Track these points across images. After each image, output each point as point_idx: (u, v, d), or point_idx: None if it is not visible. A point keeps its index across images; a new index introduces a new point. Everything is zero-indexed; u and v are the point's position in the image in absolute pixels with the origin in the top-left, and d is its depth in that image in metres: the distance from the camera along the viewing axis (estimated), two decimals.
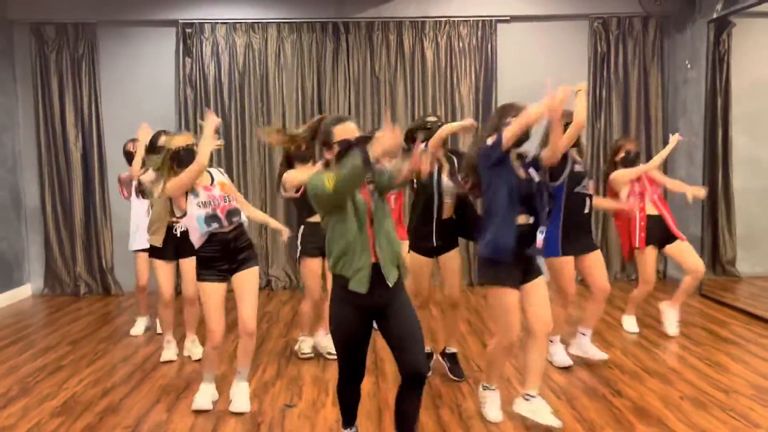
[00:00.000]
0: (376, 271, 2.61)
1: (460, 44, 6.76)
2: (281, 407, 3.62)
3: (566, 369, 4.15)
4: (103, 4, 6.56)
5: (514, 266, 3.09)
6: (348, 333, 2.67)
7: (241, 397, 3.58)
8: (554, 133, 3.08)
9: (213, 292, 3.45)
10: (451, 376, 3.97)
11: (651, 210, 4.78)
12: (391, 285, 2.63)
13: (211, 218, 3.41)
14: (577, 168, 3.96)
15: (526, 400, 3.24)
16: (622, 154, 4.73)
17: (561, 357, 4.20)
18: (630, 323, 5.04)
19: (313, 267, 4.33)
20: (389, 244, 2.64)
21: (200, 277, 3.47)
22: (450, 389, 3.83)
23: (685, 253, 4.80)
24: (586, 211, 4.03)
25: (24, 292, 6.71)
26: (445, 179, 3.81)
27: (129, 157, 5.00)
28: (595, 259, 4.09)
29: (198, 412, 3.55)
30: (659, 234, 4.75)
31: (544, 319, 3.18)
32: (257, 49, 6.71)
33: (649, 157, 6.36)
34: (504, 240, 3.02)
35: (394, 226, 2.75)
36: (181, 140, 3.51)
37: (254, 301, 3.54)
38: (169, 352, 4.53)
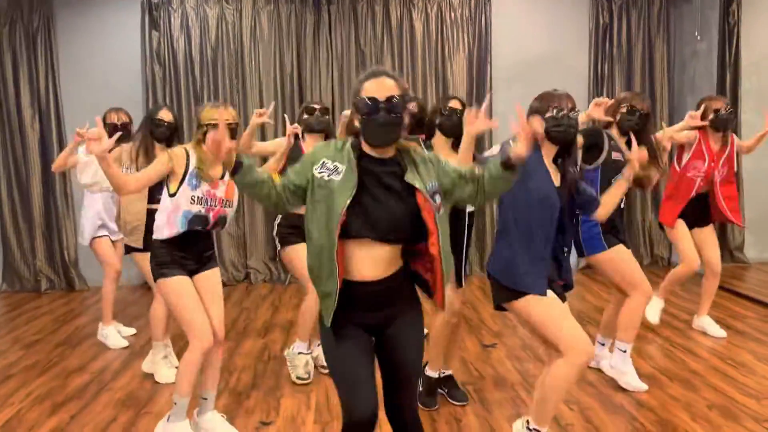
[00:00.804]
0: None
1: (452, 15, 6.27)
2: (256, 425, 3.16)
3: None
4: None
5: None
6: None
7: (225, 429, 3.01)
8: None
9: (187, 283, 2.89)
10: (453, 402, 3.36)
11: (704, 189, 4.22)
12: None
13: (197, 219, 2.87)
14: (615, 156, 3.45)
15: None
16: (711, 115, 4.08)
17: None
18: (651, 309, 4.49)
19: (300, 253, 3.65)
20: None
21: (162, 274, 2.88)
22: (448, 405, 3.38)
23: (706, 239, 4.33)
24: (622, 205, 3.48)
25: None
26: None
27: (113, 129, 4.16)
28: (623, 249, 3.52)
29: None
30: (696, 213, 4.24)
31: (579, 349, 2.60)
32: (231, 21, 6.17)
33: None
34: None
35: None
36: (223, 114, 2.86)
37: (221, 302, 3.04)
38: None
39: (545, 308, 2.54)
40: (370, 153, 2.01)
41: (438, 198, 1.99)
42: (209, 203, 2.89)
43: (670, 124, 6.45)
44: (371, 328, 2.05)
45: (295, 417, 3.24)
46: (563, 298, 2.64)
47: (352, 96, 2.06)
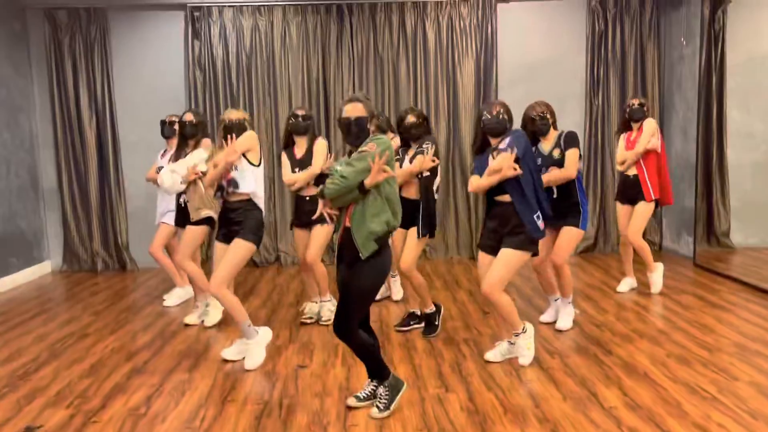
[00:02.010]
0: (349, 235, 3.06)
1: (461, 24, 6.94)
2: (294, 368, 3.89)
3: (560, 331, 4.41)
4: None
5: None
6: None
7: (247, 354, 3.98)
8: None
9: (218, 250, 4.06)
10: (424, 335, 4.42)
11: (632, 171, 5.22)
12: (362, 257, 3.02)
13: (219, 187, 4.02)
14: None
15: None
16: (627, 109, 5.29)
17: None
18: (623, 284, 5.52)
19: (296, 236, 4.79)
20: (361, 220, 3.02)
21: (216, 236, 4.14)
22: (451, 352, 4.09)
23: (634, 215, 5.22)
24: (554, 195, 4.28)
25: (44, 268, 7.00)
26: (406, 161, 4.36)
27: (162, 125, 5.50)
28: (563, 232, 4.35)
29: (218, 372, 3.83)
30: (630, 193, 5.24)
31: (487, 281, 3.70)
32: (263, 31, 6.90)
33: None
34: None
35: (378, 206, 3.05)
36: (233, 114, 4.05)
37: (225, 264, 3.88)
38: (192, 317, 4.90)
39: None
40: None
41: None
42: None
43: (661, 120, 7.08)
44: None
45: (326, 362, 3.97)
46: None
47: (338, 114, 3.23)
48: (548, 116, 4.20)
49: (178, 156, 4.70)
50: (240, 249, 3.90)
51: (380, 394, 3.20)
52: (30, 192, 6.82)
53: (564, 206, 4.26)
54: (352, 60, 6.95)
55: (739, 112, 6.68)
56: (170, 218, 5.27)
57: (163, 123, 5.48)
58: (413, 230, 4.33)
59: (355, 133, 3.11)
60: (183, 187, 4.58)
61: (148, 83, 6.94)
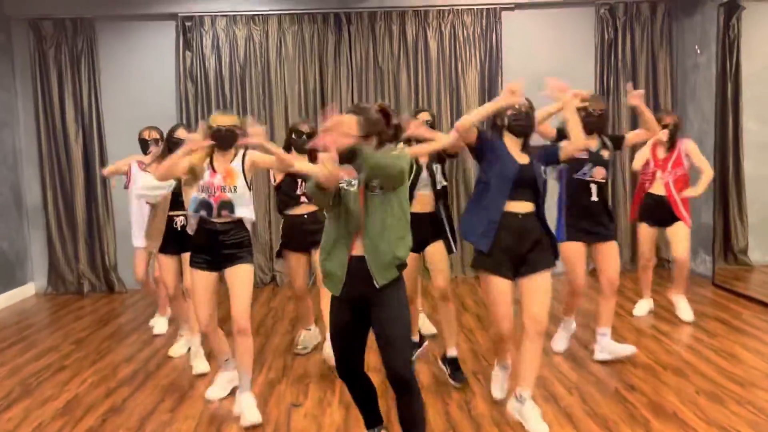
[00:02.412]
0: (360, 264, 2.54)
1: (464, 33, 6.65)
2: (287, 406, 3.55)
3: (577, 363, 4.06)
4: None
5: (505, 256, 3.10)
6: (332, 322, 2.70)
7: (249, 410, 3.33)
8: (572, 127, 3.24)
9: (199, 278, 3.45)
10: (453, 383, 3.76)
11: (659, 190, 4.86)
12: (378, 286, 2.54)
13: (203, 204, 3.39)
14: (577, 155, 3.69)
15: (518, 401, 3.15)
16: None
17: (560, 345, 4.28)
18: (640, 308, 5.15)
19: (291, 262, 4.29)
20: (383, 243, 2.52)
21: (191, 262, 3.49)
22: (459, 389, 3.74)
23: (676, 237, 4.87)
24: (593, 198, 3.89)
25: (27, 291, 6.66)
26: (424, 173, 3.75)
27: (143, 144, 4.80)
28: (606, 250, 3.97)
29: (203, 412, 3.49)
30: (658, 215, 4.86)
31: (537, 319, 3.10)
32: (258, 41, 6.61)
33: None
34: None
35: (402, 227, 2.59)
36: (222, 120, 3.43)
37: (244, 296, 3.42)
38: (178, 347, 4.52)
39: (494, 290, 3.18)
40: None
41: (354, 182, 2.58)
42: (209, 191, 3.38)
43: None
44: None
45: (322, 399, 3.63)
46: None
47: None
48: (606, 117, 4.01)
49: None
50: (250, 274, 3.48)
51: None
52: (13, 210, 6.49)
53: (601, 216, 3.94)
54: (351, 71, 6.65)
55: (756, 123, 6.39)
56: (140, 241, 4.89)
57: (143, 142, 4.80)
58: (439, 246, 3.79)
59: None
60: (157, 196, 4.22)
61: (137, 96, 6.62)
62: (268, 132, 6.63)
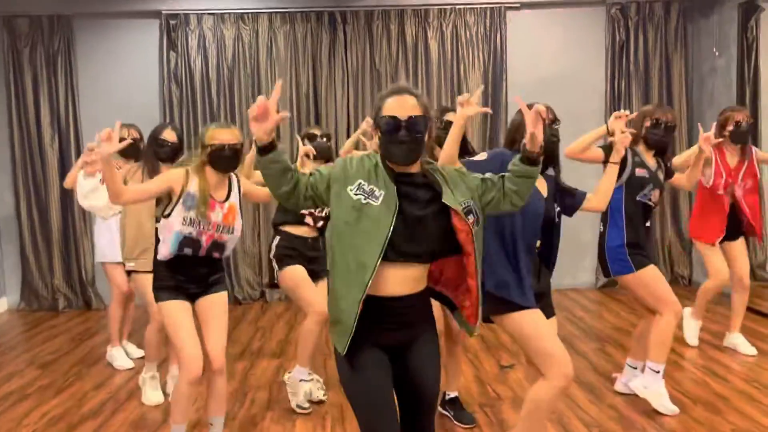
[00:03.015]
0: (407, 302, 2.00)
1: (467, 34, 6.28)
2: None
3: (597, 396, 3.64)
4: None
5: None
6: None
7: None
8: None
9: (181, 309, 2.84)
10: (460, 425, 3.30)
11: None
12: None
13: (188, 242, 2.80)
14: (639, 173, 3.39)
15: None
16: (731, 127, 4.04)
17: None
18: (689, 331, 4.57)
19: (299, 274, 3.55)
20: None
21: (159, 297, 2.87)
22: (470, 428, 3.32)
23: (737, 254, 4.28)
24: (647, 224, 3.47)
25: None
26: None
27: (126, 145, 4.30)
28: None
29: None
30: (737, 226, 4.22)
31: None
32: (247, 41, 6.23)
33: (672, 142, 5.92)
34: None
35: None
36: (227, 136, 2.83)
37: (223, 329, 2.94)
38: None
39: (534, 323, 2.51)
40: (400, 170, 1.99)
41: (471, 216, 1.96)
42: (201, 225, 2.78)
43: (689, 139, 6.41)
44: (392, 349, 2.00)
45: None
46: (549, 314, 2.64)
47: (373, 112, 2.06)
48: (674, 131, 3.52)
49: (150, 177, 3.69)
50: (226, 305, 2.99)
51: None
52: None
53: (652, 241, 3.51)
54: (346, 73, 6.26)
55: None
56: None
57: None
58: None
59: (406, 142, 1.96)
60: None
61: (117, 99, 6.21)
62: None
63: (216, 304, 2.93)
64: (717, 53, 6.00)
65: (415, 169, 2.01)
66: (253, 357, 4.57)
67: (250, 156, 3.41)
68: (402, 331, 1.99)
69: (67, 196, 6.20)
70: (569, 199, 2.79)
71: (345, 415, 3.43)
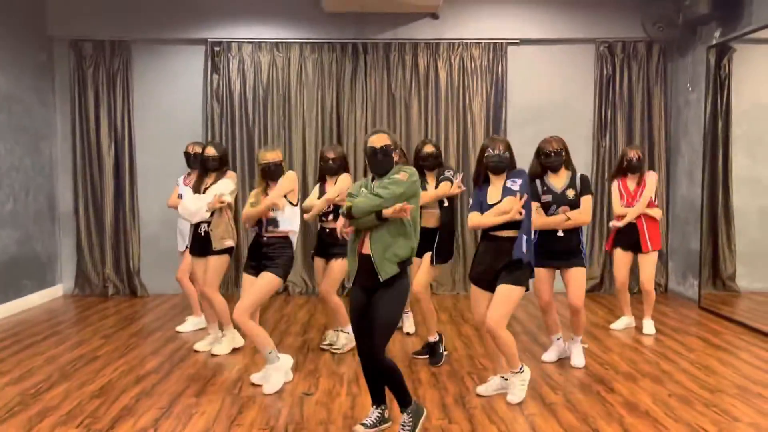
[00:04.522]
0: (367, 260, 3.18)
1: (472, 65, 7.14)
2: (300, 395, 3.95)
3: (563, 368, 4.45)
4: (137, 23, 7.02)
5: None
6: (350, 307, 3.35)
7: (265, 378, 4.10)
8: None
9: (246, 280, 4.21)
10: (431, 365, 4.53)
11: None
12: (381, 279, 3.15)
13: (257, 224, 4.17)
14: (544, 199, 4.35)
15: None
16: (625, 163, 5.37)
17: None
18: (619, 323, 5.62)
19: (316, 266, 5.02)
20: (381, 244, 3.16)
21: (244, 268, 4.27)
22: (455, 384, 4.14)
23: (642, 264, 5.43)
24: (560, 234, 4.34)
25: (56, 291, 7.12)
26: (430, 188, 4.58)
27: (188, 157, 5.49)
28: (573, 274, 4.40)
29: (225, 397, 3.90)
30: (630, 240, 5.35)
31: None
32: (280, 67, 7.12)
33: (652, 166, 7.01)
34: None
35: (404, 230, 3.21)
36: (270, 156, 4.15)
37: (250, 294, 4.04)
38: (203, 343, 5.01)
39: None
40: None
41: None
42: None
43: (667, 164, 7.19)
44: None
45: (331, 390, 4.03)
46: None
47: (363, 145, 3.50)
48: (563, 153, 4.33)
49: (198, 186, 4.84)
50: (269, 282, 4.09)
51: (404, 421, 3.27)
52: (47, 216, 6.98)
53: (570, 246, 4.36)
54: (366, 97, 7.14)
55: (745, 158, 6.76)
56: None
57: (188, 155, 5.48)
58: (427, 255, 4.57)
59: (380, 162, 3.24)
60: (207, 214, 4.72)
61: (167, 114, 7.14)
62: (287, 152, 7.12)
63: (257, 279, 4.14)
64: (690, 89, 6.82)
65: None
66: (281, 335, 5.40)
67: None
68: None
69: (120, 196, 7.11)
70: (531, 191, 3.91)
71: (358, 373, 4.26)
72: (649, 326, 5.43)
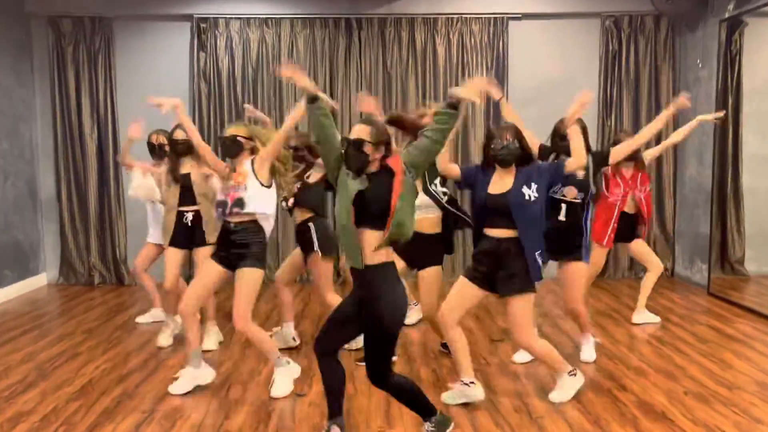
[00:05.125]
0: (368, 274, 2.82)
1: (472, 41, 6.81)
2: (293, 396, 3.70)
3: (571, 363, 4.21)
4: None
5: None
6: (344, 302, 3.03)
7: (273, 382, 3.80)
8: (573, 141, 3.49)
9: (208, 265, 3.77)
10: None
11: (630, 209, 4.96)
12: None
13: (220, 203, 3.72)
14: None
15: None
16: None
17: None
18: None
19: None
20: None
21: (211, 255, 3.84)
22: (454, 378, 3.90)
23: (644, 253, 5.17)
24: (561, 217, 3.96)
25: (39, 281, 6.84)
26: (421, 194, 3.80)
27: (151, 148, 5.07)
28: (570, 270, 4.05)
29: (211, 400, 3.65)
30: (625, 231, 4.99)
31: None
32: (270, 44, 6.78)
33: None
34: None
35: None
36: (231, 130, 3.78)
37: (240, 298, 3.63)
38: (164, 337, 4.74)
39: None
40: None
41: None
42: (227, 191, 3.71)
43: (675, 144, 6.90)
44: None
45: None
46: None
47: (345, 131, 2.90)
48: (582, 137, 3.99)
49: (174, 174, 4.54)
50: (251, 279, 3.67)
51: (426, 430, 3.01)
52: (28, 202, 6.68)
53: (568, 235, 3.97)
54: (360, 75, 6.82)
55: (755, 137, 6.53)
56: (155, 237, 5.10)
57: (152, 146, 5.01)
58: (431, 271, 4.06)
59: (350, 156, 2.77)
60: (157, 195, 4.60)
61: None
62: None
63: (239, 277, 3.67)
64: (700, 65, 6.51)
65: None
66: (274, 327, 5.15)
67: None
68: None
69: (104, 181, 6.81)
70: (555, 175, 3.42)
71: (355, 373, 4.01)
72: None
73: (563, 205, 3.98)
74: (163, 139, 4.98)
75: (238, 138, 3.71)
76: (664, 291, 6.19)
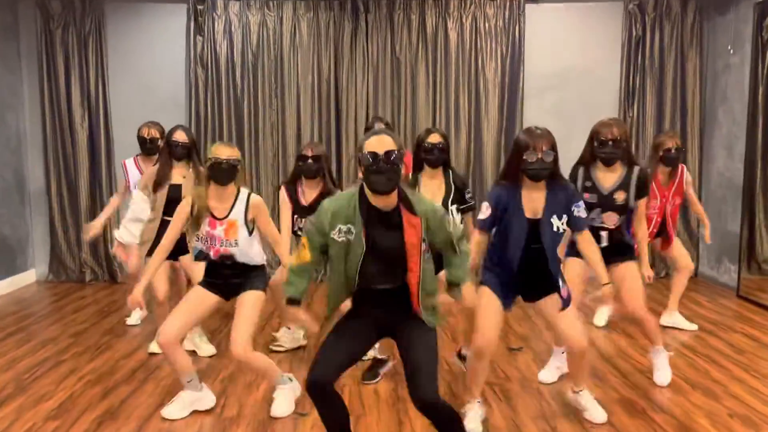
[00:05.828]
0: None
1: (486, 25, 6.39)
2: (293, 416, 3.35)
3: (600, 379, 3.84)
4: None
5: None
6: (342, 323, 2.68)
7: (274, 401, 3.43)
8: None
9: (199, 293, 3.30)
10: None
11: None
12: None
13: (201, 254, 3.29)
14: (587, 198, 3.54)
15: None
16: (661, 152, 4.45)
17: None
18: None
19: None
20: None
21: (200, 282, 3.36)
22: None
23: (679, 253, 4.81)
24: (603, 244, 3.53)
25: (28, 277, 6.49)
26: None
27: (142, 142, 4.67)
28: (624, 272, 3.61)
29: (205, 418, 3.29)
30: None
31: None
32: (272, 27, 6.38)
33: (684, 139, 6.27)
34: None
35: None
36: (229, 151, 3.15)
37: (243, 322, 3.19)
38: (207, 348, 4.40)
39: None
40: (376, 206, 2.42)
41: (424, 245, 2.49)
42: (209, 242, 3.20)
43: (701, 136, 6.51)
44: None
45: None
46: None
47: (356, 152, 2.41)
48: (624, 143, 3.50)
49: (162, 178, 4.07)
50: (257, 302, 3.25)
51: None
52: (15, 195, 6.31)
53: (616, 246, 3.61)
54: (367, 61, 6.41)
55: None
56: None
57: (142, 140, 4.61)
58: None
59: (385, 171, 2.38)
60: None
61: (145, 81, 6.42)
62: (279, 122, 6.42)
63: (243, 300, 3.25)
64: (732, 51, 6.09)
65: (392, 203, 2.42)
66: (274, 331, 4.79)
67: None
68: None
69: (96, 173, 6.44)
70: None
71: (361, 390, 3.65)
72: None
73: (603, 234, 3.58)
74: (155, 133, 4.61)
75: (238, 164, 3.20)
76: (689, 292, 5.80)
